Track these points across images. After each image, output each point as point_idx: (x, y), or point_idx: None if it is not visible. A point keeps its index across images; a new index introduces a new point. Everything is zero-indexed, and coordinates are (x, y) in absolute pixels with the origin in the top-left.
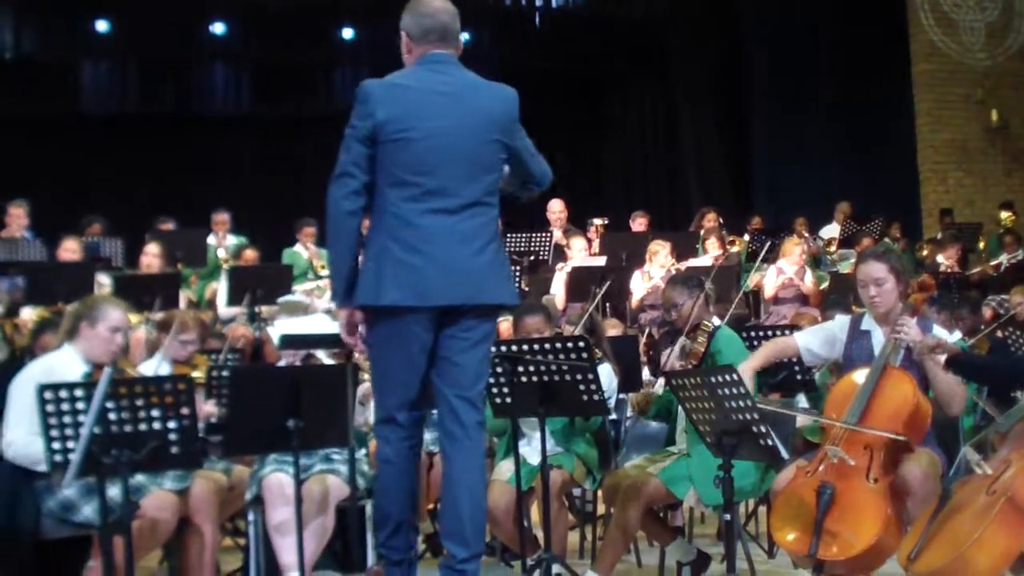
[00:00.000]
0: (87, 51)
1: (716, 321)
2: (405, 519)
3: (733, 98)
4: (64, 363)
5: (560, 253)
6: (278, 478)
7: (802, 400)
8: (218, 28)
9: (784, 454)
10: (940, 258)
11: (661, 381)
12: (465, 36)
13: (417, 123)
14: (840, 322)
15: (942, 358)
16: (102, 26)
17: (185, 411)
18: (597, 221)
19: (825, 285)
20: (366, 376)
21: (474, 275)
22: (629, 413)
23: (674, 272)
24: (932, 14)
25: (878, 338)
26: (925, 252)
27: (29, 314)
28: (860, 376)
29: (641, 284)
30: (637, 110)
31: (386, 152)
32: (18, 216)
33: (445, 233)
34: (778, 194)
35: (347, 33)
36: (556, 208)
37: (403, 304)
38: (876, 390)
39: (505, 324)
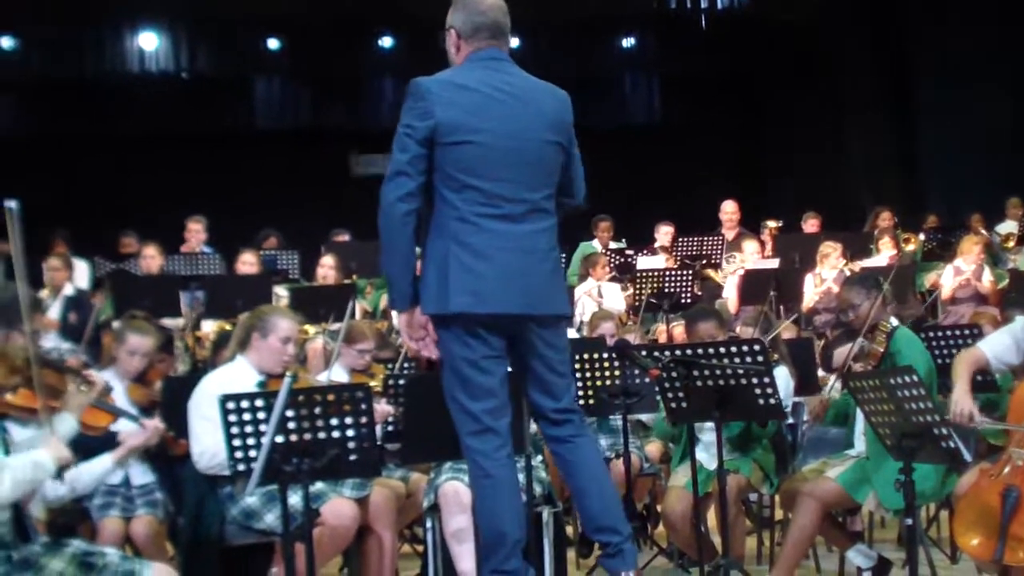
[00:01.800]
0: (260, 68)
1: (894, 322)
2: (520, 537)
3: (900, 95)
4: (238, 374)
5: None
6: (454, 486)
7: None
8: (386, 42)
9: (967, 457)
10: None
11: (834, 383)
12: (631, 41)
13: (480, 125)
14: (1022, 323)
15: None
16: (273, 44)
17: (364, 420)
18: (771, 224)
19: (1004, 283)
20: None
21: (537, 284)
22: (806, 417)
23: (847, 273)
24: None
25: None
26: None
27: (210, 327)
28: None
29: (812, 287)
30: (804, 110)
31: (446, 155)
32: (197, 231)
33: (510, 239)
34: (952, 191)
35: (513, 42)
36: (729, 209)
37: (470, 311)
38: None
39: (679, 329)
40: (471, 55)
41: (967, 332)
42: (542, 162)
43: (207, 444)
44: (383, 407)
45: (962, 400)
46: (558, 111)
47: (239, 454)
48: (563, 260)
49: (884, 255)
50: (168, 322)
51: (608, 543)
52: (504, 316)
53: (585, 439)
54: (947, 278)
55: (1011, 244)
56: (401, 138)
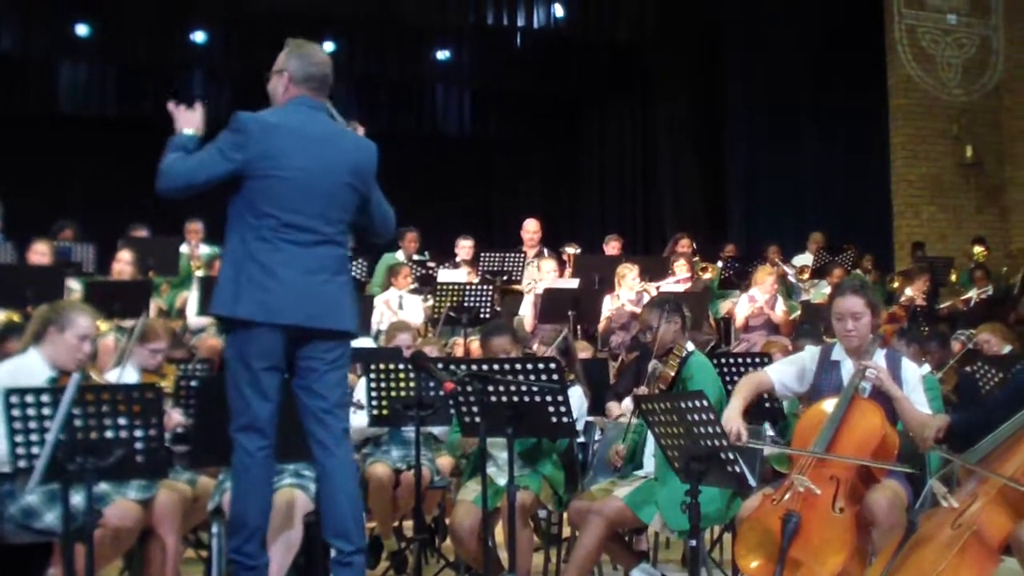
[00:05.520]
0: (67, 52)
1: (689, 346)
2: (260, 526)
3: (712, 125)
4: (29, 367)
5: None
6: None
7: (767, 428)
8: (199, 36)
9: (751, 481)
10: (909, 291)
11: (626, 403)
12: (445, 54)
13: (285, 162)
14: (810, 353)
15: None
16: (82, 29)
17: (152, 420)
18: (569, 250)
19: (796, 314)
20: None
21: (318, 301)
22: (597, 436)
23: (645, 295)
24: (910, 49)
25: (847, 369)
26: (896, 284)
27: None
28: (828, 406)
29: (611, 308)
30: (616, 133)
31: (252, 186)
32: None
33: (297, 259)
34: (753, 222)
35: (328, 45)
36: (531, 228)
37: (254, 319)
38: (844, 420)
39: (476, 343)
40: (294, 98)
41: (758, 360)
42: (336, 200)
43: None
44: (175, 416)
45: (731, 419)
46: (360, 159)
47: (22, 450)
48: (366, 269)
49: (676, 277)
50: None
51: (342, 550)
52: (287, 327)
53: (344, 451)
54: (741, 306)
55: (805, 276)
56: (215, 153)
